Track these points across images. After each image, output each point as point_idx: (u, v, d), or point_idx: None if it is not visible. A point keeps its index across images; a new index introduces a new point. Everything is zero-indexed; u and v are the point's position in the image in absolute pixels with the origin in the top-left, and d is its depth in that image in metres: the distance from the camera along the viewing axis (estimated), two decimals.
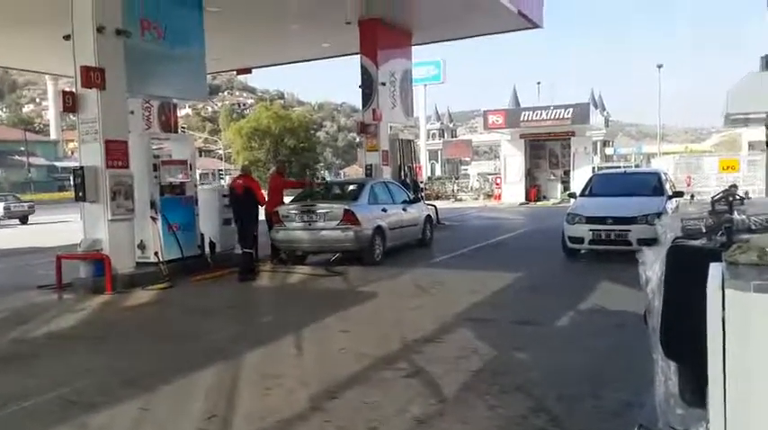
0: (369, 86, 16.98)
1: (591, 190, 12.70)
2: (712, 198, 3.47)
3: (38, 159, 74.11)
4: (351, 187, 13.23)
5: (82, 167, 9.72)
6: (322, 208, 11.42)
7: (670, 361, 2.66)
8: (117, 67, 9.90)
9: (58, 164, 75.36)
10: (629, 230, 10.48)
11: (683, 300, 2.35)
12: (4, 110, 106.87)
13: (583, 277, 9.75)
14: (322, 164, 67.97)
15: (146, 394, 4.95)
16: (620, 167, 34.55)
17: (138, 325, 7.82)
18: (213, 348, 6.36)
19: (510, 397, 4.60)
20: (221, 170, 71.08)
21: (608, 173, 18.61)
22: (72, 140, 70.45)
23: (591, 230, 10.92)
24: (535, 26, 17.78)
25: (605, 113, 64.06)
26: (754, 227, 2.91)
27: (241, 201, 10.82)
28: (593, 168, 29.63)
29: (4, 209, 29.11)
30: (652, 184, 12.35)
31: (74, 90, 9.84)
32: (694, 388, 2.34)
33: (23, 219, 29.57)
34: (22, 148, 70.01)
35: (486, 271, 10.58)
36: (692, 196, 13.78)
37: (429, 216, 14.36)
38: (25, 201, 32.60)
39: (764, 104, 2.50)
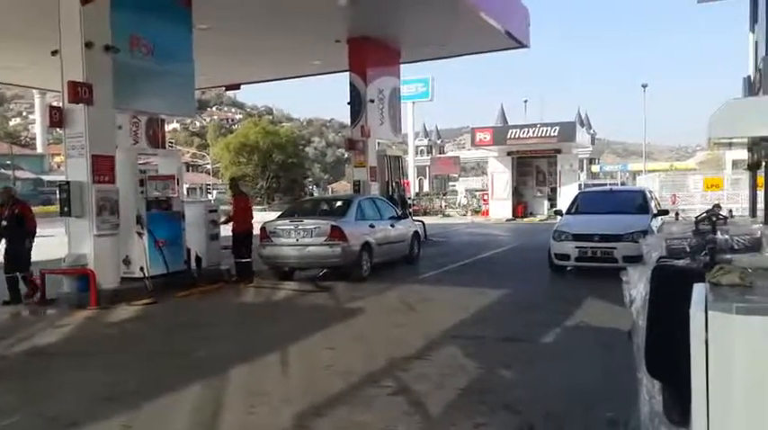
0: (357, 103, 17.05)
1: (577, 207, 12.77)
2: (696, 218, 3.52)
3: (24, 173, 73.69)
4: (338, 203, 13.24)
5: (68, 182, 9.66)
6: (309, 224, 11.41)
7: (654, 380, 2.68)
8: (105, 83, 9.86)
9: (44, 177, 75.07)
10: (615, 248, 10.54)
11: (667, 320, 2.37)
12: None
13: (569, 294, 9.78)
14: (310, 179, 67.88)
15: (128, 411, 4.88)
16: (605, 185, 34.82)
17: (121, 340, 7.72)
18: (197, 364, 6.31)
19: (497, 415, 4.59)
20: (209, 185, 70.79)
21: (594, 190, 18.65)
22: (58, 154, 70.18)
23: (577, 247, 10.98)
24: (522, 45, 17.92)
25: (591, 131, 64.68)
26: (736, 247, 2.95)
27: None
28: (580, 185, 29.82)
29: None
30: (637, 202, 12.46)
31: (61, 105, 9.81)
32: (678, 407, 2.35)
33: None
34: (8, 162, 69.66)
35: (473, 287, 10.59)
36: (677, 214, 13.91)
37: (416, 232, 14.38)
38: None
39: (745, 131, 2.53)
